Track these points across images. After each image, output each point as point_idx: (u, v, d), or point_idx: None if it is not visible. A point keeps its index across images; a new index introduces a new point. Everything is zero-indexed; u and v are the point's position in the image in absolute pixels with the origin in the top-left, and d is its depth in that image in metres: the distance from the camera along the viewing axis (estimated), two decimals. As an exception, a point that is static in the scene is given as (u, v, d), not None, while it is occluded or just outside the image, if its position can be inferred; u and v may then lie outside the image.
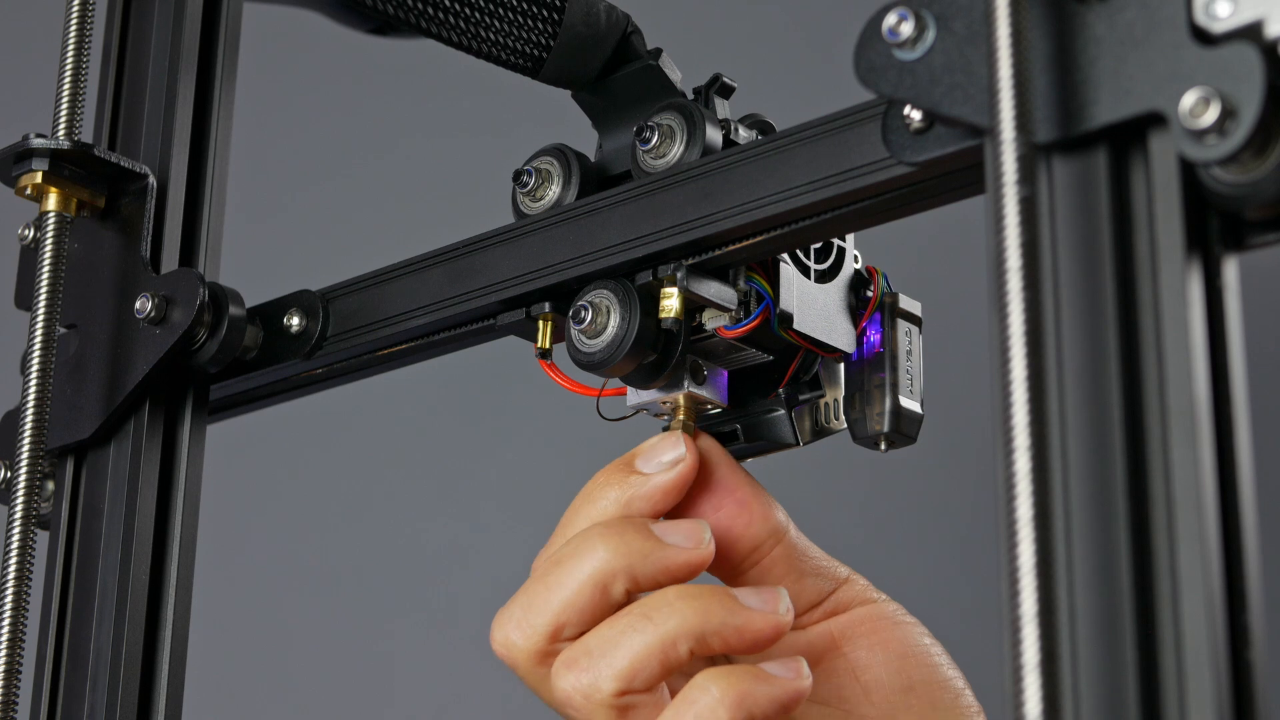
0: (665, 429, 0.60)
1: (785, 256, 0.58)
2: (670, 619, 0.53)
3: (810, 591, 0.60)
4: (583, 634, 0.54)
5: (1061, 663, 0.39)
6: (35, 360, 0.60)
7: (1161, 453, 0.41)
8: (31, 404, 0.59)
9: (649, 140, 0.58)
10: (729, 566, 0.59)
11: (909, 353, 0.60)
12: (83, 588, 0.62)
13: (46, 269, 0.61)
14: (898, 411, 0.59)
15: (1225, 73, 0.40)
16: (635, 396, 0.59)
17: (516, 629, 0.55)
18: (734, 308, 0.57)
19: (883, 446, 0.59)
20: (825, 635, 0.60)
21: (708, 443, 0.58)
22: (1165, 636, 0.40)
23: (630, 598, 0.55)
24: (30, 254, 0.66)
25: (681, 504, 0.58)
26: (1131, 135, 0.43)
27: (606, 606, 0.54)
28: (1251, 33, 0.41)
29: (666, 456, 0.57)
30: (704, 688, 0.52)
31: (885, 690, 0.59)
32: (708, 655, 0.54)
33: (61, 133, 0.61)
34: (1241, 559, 0.40)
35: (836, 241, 0.60)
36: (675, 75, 0.61)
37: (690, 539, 0.55)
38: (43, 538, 0.62)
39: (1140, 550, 0.40)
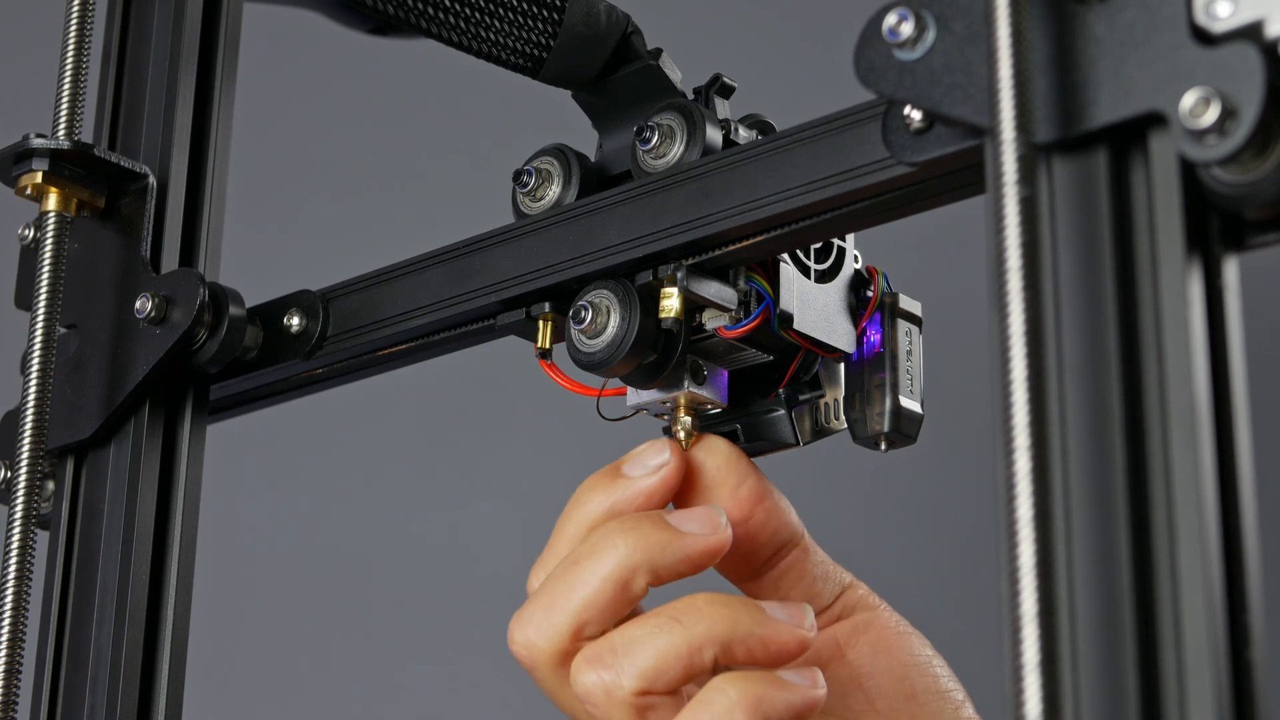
0: (666, 429, 0.60)
1: (785, 256, 0.58)
2: (699, 624, 0.53)
3: (822, 595, 0.60)
4: (604, 633, 0.54)
5: (1061, 663, 0.39)
6: (35, 360, 0.60)
7: (1161, 453, 0.41)
8: (31, 404, 0.59)
9: (649, 140, 0.58)
10: (750, 569, 0.59)
11: (909, 353, 0.60)
12: (83, 588, 0.62)
13: (46, 269, 0.61)
14: (898, 411, 0.59)
15: (1225, 73, 0.40)
16: (635, 396, 0.59)
17: (537, 630, 0.55)
18: (734, 308, 0.57)
19: (883, 446, 0.59)
20: (830, 641, 0.60)
21: (727, 446, 0.58)
22: (1165, 636, 0.40)
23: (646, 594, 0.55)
24: (30, 254, 0.66)
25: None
26: (1131, 135, 0.43)
27: (628, 602, 0.54)
28: (1252, 33, 0.41)
29: (652, 461, 0.57)
30: (721, 689, 0.52)
31: (889, 698, 0.59)
32: (730, 665, 0.54)
33: (61, 133, 0.61)
34: (1241, 559, 0.40)
35: (836, 241, 0.60)
36: (675, 75, 0.61)
37: (706, 525, 0.55)
38: (43, 538, 0.62)
39: (1140, 550, 0.40)
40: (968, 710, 0.60)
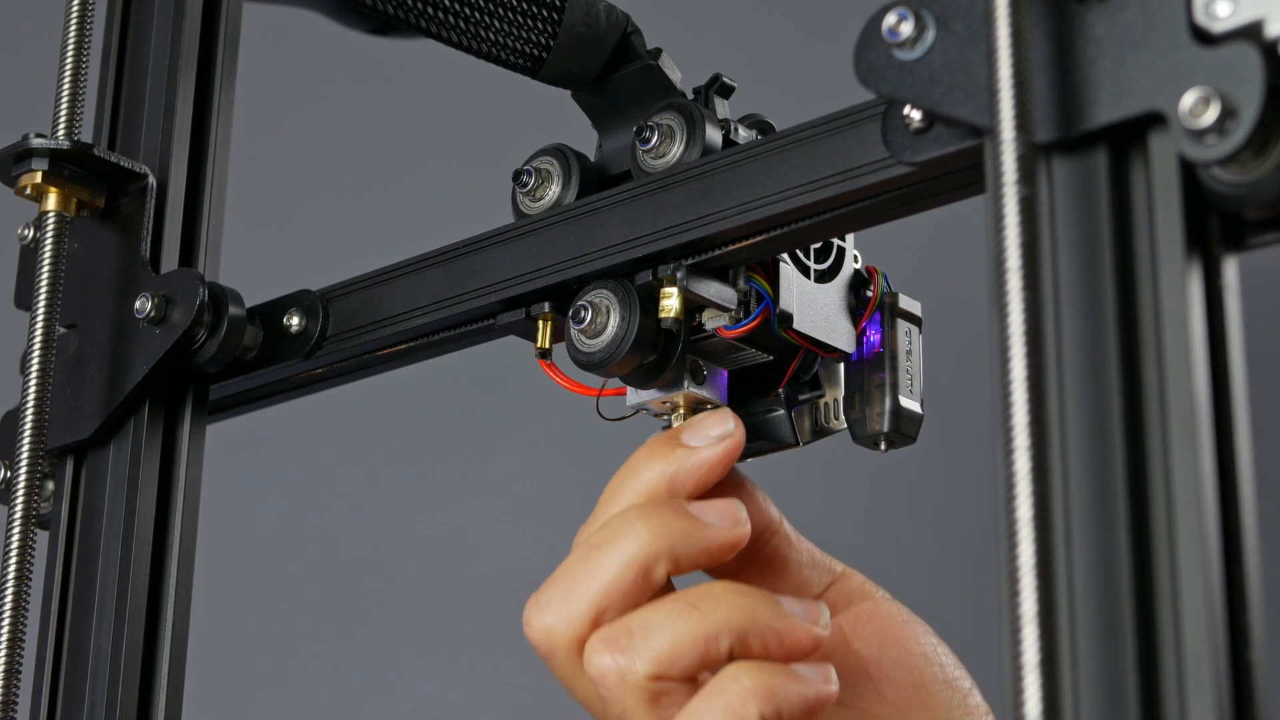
0: (665, 429, 0.60)
1: (785, 256, 0.58)
2: (717, 611, 0.53)
3: (810, 584, 0.60)
4: None
5: (1061, 663, 0.39)
6: (35, 360, 0.60)
7: (1161, 453, 0.41)
8: (31, 404, 0.59)
9: (649, 140, 0.58)
10: (733, 559, 0.59)
11: (909, 353, 0.60)
12: (83, 588, 0.62)
13: (46, 269, 0.61)
14: (898, 411, 0.59)
15: (1225, 73, 0.40)
16: (635, 396, 0.59)
17: (555, 615, 0.54)
18: (734, 308, 0.57)
19: (883, 446, 0.59)
20: (835, 631, 0.60)
21: None
22: (1165, 636, 0.40)
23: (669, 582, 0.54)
24: (30, 254, 0.66)
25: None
26: (1131, 135, 0.43)
27: (648, 590, 0.54)
28: (1251, 32, 0.41)
29: (715, 431, 0.56)
30: (734, 677, 0.52)
31: (897, 687, 0.59)
32: (743, 656, 0.54)
33: (61, 133, 0.61)
34: (1241, 559, 0.40)
35: (836, 241, 0.60)
36: (675, 75, 0.61)
37: (727, 518, 0.55)
38: (43, 538, 0.62)
39: (1140, 550, 0.40)
40: (975, 697, 0.60)
